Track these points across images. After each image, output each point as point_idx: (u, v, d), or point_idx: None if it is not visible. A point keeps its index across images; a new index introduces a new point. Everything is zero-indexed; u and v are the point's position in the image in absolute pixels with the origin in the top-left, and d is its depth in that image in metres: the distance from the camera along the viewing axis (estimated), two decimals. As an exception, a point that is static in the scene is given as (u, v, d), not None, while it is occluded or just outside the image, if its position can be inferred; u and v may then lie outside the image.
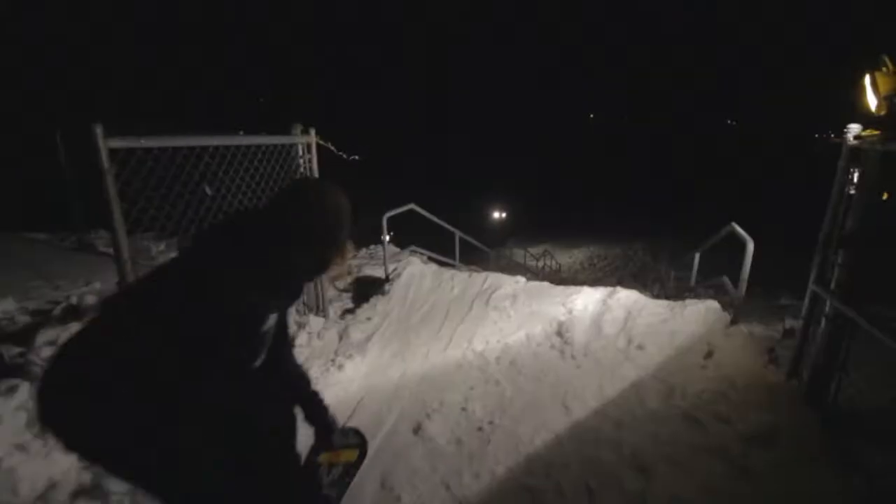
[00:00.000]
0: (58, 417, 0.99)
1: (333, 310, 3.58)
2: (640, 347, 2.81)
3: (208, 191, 2.23)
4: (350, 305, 3.79)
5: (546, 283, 3.77)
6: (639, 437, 2.18)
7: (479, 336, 3.13)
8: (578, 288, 3.57)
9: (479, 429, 2.22)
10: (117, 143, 1.76)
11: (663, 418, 2.30)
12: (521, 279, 3.87)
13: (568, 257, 15.09)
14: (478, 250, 7.60)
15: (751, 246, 2.95)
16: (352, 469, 1.75)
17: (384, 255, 4.40)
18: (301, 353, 2.82)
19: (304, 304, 3.30)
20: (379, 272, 4.33)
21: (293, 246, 1.15)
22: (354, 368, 2.76)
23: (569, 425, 2.27)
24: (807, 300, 2.27)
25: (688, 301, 3.25)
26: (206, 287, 1.02)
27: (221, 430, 1.10)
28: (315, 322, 3.18)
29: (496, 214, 21.94)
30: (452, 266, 5.80)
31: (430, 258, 5.46)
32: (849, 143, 1.97)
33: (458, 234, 5.73)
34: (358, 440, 1.74)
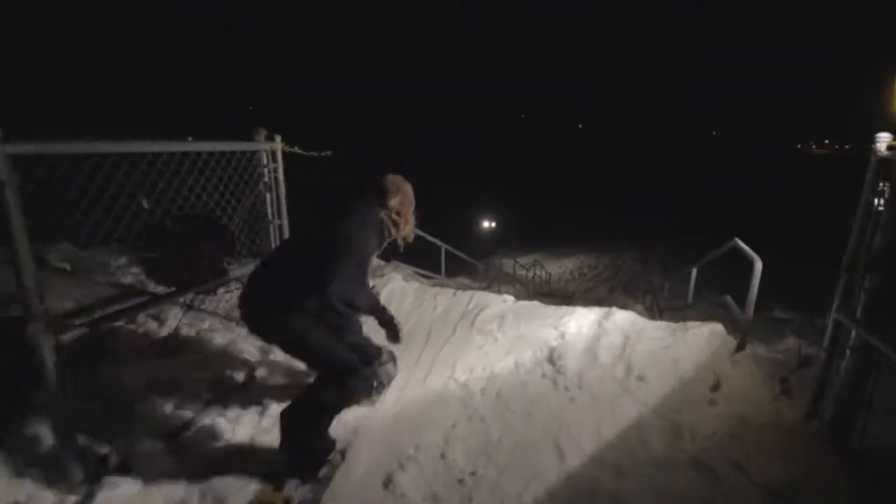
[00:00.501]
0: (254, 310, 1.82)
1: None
2: (640, 378, 2.53)
3: (146, 204, 1.92)
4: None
5: (536, 303, 3.48)
6: (641, 487, 1.91)
7: (463, 363, 2.83)
8: (571, 308, 3.30)
9: (460, 481, 1.91)
10: (17, 148, 1.45)
11: (669, 464, 2.02)
12: (510, 298, 3.58)
13: (558, 267, 14.88)
14: (466, 261, 7.32)
15: (758, 265, 2.70)
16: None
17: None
18: (266, 383, 2.50)
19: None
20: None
21: (386, 215, 1.88)
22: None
23: (562, 474, 1.98)
24: (829, 329, 2.02)
25: (689, 323, 2.99)
26: (355, 243, 1.74)
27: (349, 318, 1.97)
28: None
29: (486, 223, 21.68)
30: (437, 280, 5.51)
31: (414, 272, 5.17)
32: (879, 154, 1.73)
33: (444, 247, 5.45)
34: (391, 357, 2.60)
